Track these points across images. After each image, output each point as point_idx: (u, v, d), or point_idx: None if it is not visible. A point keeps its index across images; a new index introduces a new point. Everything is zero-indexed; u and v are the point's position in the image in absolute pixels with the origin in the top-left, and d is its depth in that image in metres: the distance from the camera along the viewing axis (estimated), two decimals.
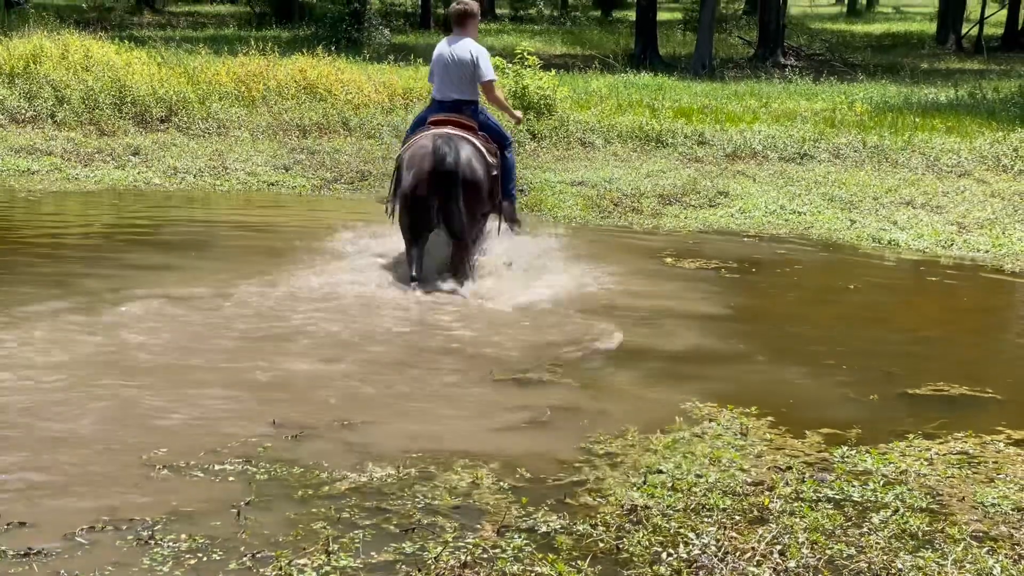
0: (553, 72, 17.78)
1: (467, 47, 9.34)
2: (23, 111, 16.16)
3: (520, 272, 9.57)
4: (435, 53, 9.52)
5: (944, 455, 5.96)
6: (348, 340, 7.74)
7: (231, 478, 5.41)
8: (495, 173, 9.38)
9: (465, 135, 9.15)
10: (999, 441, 6.18)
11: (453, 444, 5.92)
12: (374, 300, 8.66)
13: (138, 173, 13.55)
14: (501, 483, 5.44)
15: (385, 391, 6.81)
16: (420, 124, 9.64)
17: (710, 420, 6.38)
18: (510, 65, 16.86)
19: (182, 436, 5.88)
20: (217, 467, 5.51)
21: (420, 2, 39.64)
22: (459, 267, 9.16)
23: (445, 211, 8.91)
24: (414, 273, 9.03)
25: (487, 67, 9.39)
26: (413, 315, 8.45)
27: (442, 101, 9.46)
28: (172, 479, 5.39)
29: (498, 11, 45.33)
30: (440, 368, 7.30)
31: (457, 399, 6.75)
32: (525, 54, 16.89)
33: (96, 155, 14.36)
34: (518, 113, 10.76)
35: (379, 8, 35.38)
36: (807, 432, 6.23)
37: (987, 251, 10.93)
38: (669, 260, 10.41)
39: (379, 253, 9.83)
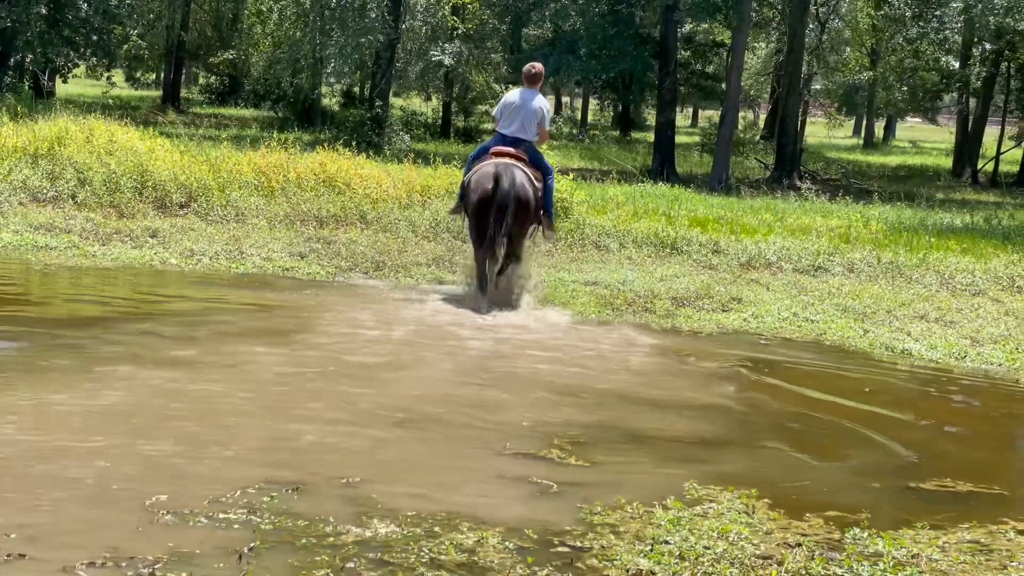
0: (571, 175, 17.90)
1: (539, 100, 12.35)
2: (45, 191, 16.27)
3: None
4: (506, 98, 12.66)
5: (955, 543, 5.89)
6: (366, 404, 7.75)
7: (236, 526, 5.35)
8: (540, 195, 12.12)
9: (518, 164, 11.92)
10: (1008, 531, 6.11)
11: (460, 507, 5.86)
12: (391, 365, 8.67)
13: (155, 253, 13.61)
14: (507, 543, 5.39)
15: (394, 452, 6.78)
16: (483, 152, 12.61)
17: (714, 500, 6.33)
18: None
19: (188, 484, 5.84)
20: (221, 515, 5.47)
21: (441, 112, 40.15)
22: (511, 272, 12.33)
23: (505, 220, 11.60)
24: (484, 288, 11.93)
25: (549, 118, 12.52)
26: (425, 382, 8.46)
27: (505, 136, 12.30)
28: (176, 524, 5.34)
29: None
30: (456, 437, 7.29)
31: (469, 468, 6.71)
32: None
33: (114, 235, 14.44)
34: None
35: (400, 116, 35.83)
36: (816, 514, 6.17)
37: (1000, 364, 10.89)
38: (682, 356, 10.41)
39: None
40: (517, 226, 11.93)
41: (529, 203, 11.86)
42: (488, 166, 11.98)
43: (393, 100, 41.48)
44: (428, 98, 48.28)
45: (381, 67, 31.04)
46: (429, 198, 17.74)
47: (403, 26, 32.00)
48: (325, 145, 21.41)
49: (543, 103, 12.37)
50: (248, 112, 42.31)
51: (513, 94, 12.60)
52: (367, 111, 31.15)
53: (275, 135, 24.13)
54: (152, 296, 11.82)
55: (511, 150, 12.12)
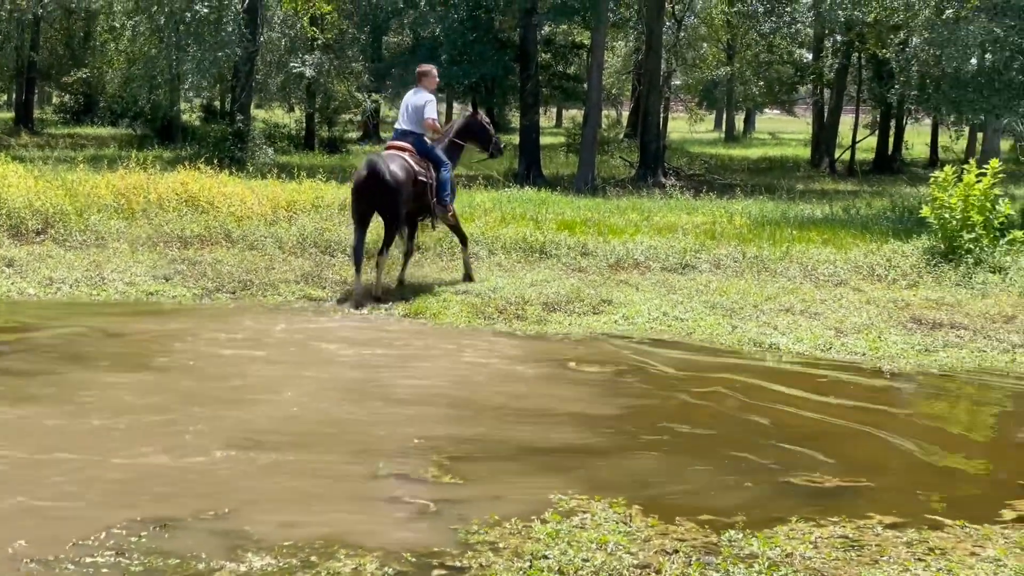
0: None
1: (421, 95, 13.52)
2: None
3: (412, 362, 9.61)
4: (404, 97, 13.87)
5: (827, 538, 5.98)
6: (233, 430, 7.61)
7: (104, 570, 5.21)
8: (425, 180, 13.35)
9: (401, 154, 13.22)
10: (876, 525, 6.23)
11: (335, 533, 5.78)
12: (259, 387, 8.54)
13: (12, 284, 13.23)
14: (385, 569, 5.34)
15: (265, 479, 6.67)
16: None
17: (591, 510, 6.34)
18: None
19: (50, 527, 5.67)
20: (88, 560, 5.32)
21: (305, 124, 39.81)
22: (387, 243, 13.21)
23: (378, 203, 12.94)
24: (357, 249, 12.90)
25: (430, 110, 13.47)
26: (295, 403, 8.35)
27: (396, 130, 13.76)
28: (41, 572, 5.17)
29: (383, 134, 45.72)
30: (328, 460, 7.19)
31: (343, 492, 6.62)
32: None
33: None
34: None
35: (263, 129, 35.41)
36: (693, 518, 6.21)
37: (864, 354, 11.13)
38: (554, 362, 10.44)
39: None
40: (388, 210, 13.03)
41: (398, 189, 12.88)
42: (370, 156, 13.55)
43: (255, 113, 40.99)
44: (291, 109, 47.80)
45: (240, 80, 30.62)
46: (295, 213, 17.56)
47: (261, 38, 31.63)
48: (186, 163, 21.07)
49: (425, 97, 13.50)
50: (106, 131, 41.44)
51: (408, 93, 13.94)
52: (228, 125, 30.72)
53: (134, 154, 23.65)
54: (9, 327, 11.46)
55: (399, 143, 13.47)
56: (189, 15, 27.87)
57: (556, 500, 6.52)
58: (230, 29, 28.70)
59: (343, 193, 18.75)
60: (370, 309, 12.68)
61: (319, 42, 33.73)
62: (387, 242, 13.27)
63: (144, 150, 29.31)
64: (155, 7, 29.46)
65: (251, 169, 25.26)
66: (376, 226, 13.81)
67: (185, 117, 41.04)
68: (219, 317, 12.16)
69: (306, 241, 15.85)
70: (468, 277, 14.37)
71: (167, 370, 9.64)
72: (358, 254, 12.94)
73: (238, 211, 17.25)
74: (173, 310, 12.47)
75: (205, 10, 27.84)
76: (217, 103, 44.95)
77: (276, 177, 20.90)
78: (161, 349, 10.44)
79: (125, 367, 9.68)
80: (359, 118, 42.34)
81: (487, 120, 14.86)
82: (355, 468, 7.13)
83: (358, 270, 12.93)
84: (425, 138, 13.69)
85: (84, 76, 43.45)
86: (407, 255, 14.36)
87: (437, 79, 14.00)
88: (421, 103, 13.51)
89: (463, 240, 14.77)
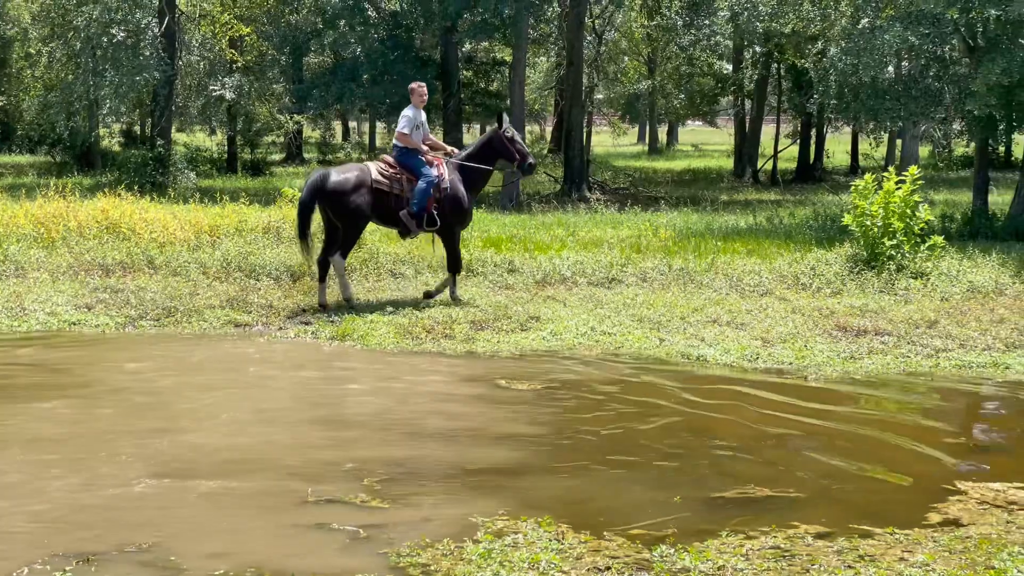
0: None
1: (404, 111, 14.09)
2: None
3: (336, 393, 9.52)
4: None
5: (758, 550, 6.00)
6: (158, 458, 7.50)
7: None
8: (386, 190, 13.71)
9: (372, 162, 14.16)
10: (806, 535, 6.26)
11: (264, 562, 5.71)
12: (184, 414, 8.42)
13: None
14: None
15: (191, 508, 6.58)
16: None
17: (522, 530, 6.31)
18: None
19: None
20: None
21: (227, 147, 39.50)
22: (331, 244, 13.86)
23: (324, 208, 13.77)
24: (308, 256, 13.98)
25: (400, 123, 14.02)
26: (222, 430, 8.25)
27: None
28: None
29: (306, 155, 45.51)
30: (257, 487, 7.10)
31: (273, 520, 6.54)
32: None
33: None
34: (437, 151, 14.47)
35: (184, 153, 35.09)
36: (624, 534, 6.21)
37: (791, 363, 11.21)
38: (482, 381, 10.41)
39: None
40: (333, 213, 13.74)
41: (340, 192, 13.52)
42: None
43: (176, 137, 40.65)
44: (212, 132, 47.42)
45: (160, 104, 30.34)
46: (218, 238, 17.40)
47: (180, 62, 31.37)
48: (107, 190, 20.83)
49: (404, 112, 14.10)
50: (24, 158, 40.84)
51: None
52: (149, 150, 30.41)
53: (53, 181, 23.34)
54: None
55: (384, 155, 14.43)
56: (106, 40, 27.57)
57: (485, 521, 6.48)
58: (148, 53, 28.45)
59: (267, 216, 18.62)
60: (295, 331, 12.59)
61: (239, 65, 33.49)
62: (331, 243, 13.88)
63: (63, 177, 28.99)
64: (71, 33, 29.15)
65: (173, 194, 25.01)
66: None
67: (105, 143, 40.55)
68: (142, 345, 12.00)
69: (230, 266, 15.70)
70: (430, 294, 14.42)
71: (91, 400, 9.51)
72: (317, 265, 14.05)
73: (160, 237, 17.07)
74: (96, 339, 12.29)
75: (122, 35, 27.57)
76: (137, 128, 44.50)
77: (199, 201, 20.71)
78: (84, 379, 10.31)
79: (47, 398, 9.52)
80: (282, 140, 42.10)
81: (510, 135, 14.41)
82: (285, 495, 7.05)
83: (320, 280, 13.94)
84: (405, 150, 13.95)
85: (0, 104, 42.81)
86: (449, 271, 14.43)
87: (422, 95, 14.23)
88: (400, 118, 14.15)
89: (452, 266, 14.45)
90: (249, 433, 8.56)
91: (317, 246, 14.22)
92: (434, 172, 13.93)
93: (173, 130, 35.59)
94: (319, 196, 13.63)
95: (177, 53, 30.65)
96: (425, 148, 14.08)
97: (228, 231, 17.54)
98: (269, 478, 7.42)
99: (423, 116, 14.30)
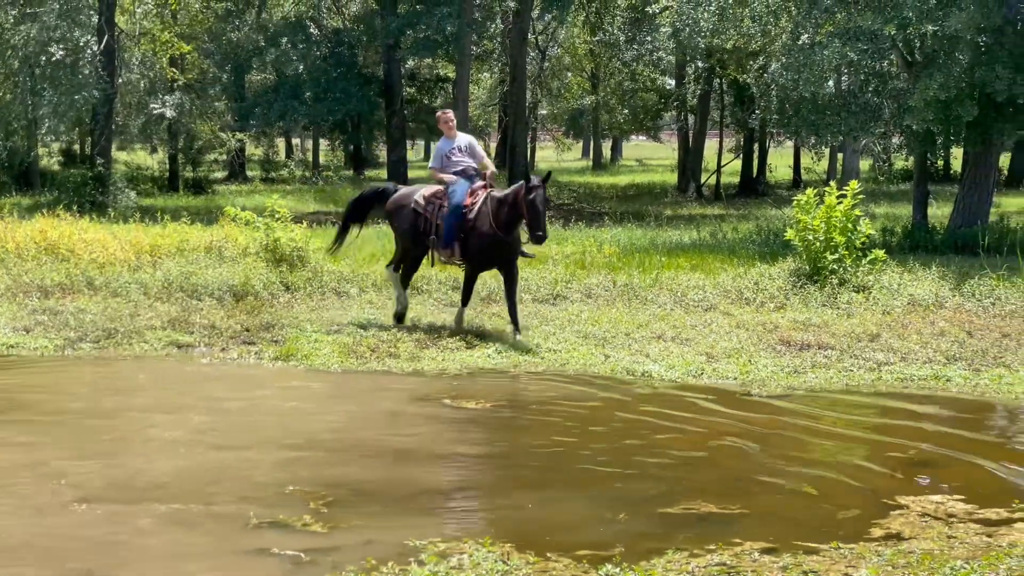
0: (304, 224, 17.74)
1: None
2: None
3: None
4: None
5: (704, 567, 5.99)
6: (90, 485, 7.38)
7: None
8: (426, 216, 13.54)
9: (424, 187, 14.11)
10: (752, 551, 6.26)
11: None
12: (122, 440, 8.31)
13: None
14: None
15: (133, 535, 6.48)
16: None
17: (467, 551, 6.27)
18: (260, 219, 16.82)
19: None
20: None
21: (168, 166, 39.22)
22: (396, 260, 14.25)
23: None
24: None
25: (432, 159, 14.18)
26: (165, 453, 8.14)
27: None
28: None
29: (249, 173, 45.25)
30: (196, 513, 7.01)
31: (212, 547, 6.45)
32: (274, 208, 16.88)
33: None
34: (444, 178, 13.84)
35: (125, 172, 34.81)
36: (570, 554, 6.18)
37: (735, 378, 11.25)
38: (427, 400, 10.36)
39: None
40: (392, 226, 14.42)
41: (389, 208, 14.05)
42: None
43: (117, 155, 40.32)
44: (154, 151, 47.07)
45: (99, 123, 30.11)
46: (159, 258, 17.24)
47: (120, 80, 31.14)
48: (46, 210, 20.60)
49: (437, 144, 14.37)
50: None
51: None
52: (89, 169, 30.15)
53: None
54: None
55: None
56: (44, 59, 27.34)
57: (431, 543, 6.43)
58: (87, 72, 28.23)
59: (209, 235, 18.47)
60: (238, 352, 12.48)
61: (180, 83, 33.29)
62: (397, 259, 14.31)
63: (1, 198, 28.60)
64: (9, 52, 28.82)
65: (113, 214, 24.76)
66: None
67: (44, 162, 40.14)
68: (83, 368, 11.85)
69: (172, 286, 15.53)
70: (457, 326, 13.55)
71: (29, 424, 9.36)
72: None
73: (100, 257, 16.89)
74: (35, 362, 12.11)
75: (60, 53, 27.34)
76: (77, 147, 44.08)
77: (139, 221, 20.54)
78: (22, 403, 10.14)
79: None
80: (224, 157, 41.88)
81: (541, 197, 12.66)
82: (228, 519, 6.95)
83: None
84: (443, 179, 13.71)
85: None
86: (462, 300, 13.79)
87: (445, 122, 14.12)
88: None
89: (464, 297, 13.78)
90: (191, 456, 8.45)
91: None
92: (464, 200, 13.40)
93: (113, 149, 35.28)
94: (377, 199, 14.45)
95: (117, 71, 30.47)
96: (445, 177, 13.64)
97: (169, 251, 17.39)
98: (212, 502, 7.33)
99: (461, 141, 13.94)
